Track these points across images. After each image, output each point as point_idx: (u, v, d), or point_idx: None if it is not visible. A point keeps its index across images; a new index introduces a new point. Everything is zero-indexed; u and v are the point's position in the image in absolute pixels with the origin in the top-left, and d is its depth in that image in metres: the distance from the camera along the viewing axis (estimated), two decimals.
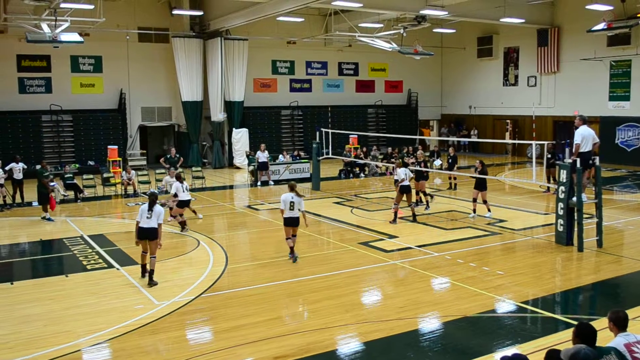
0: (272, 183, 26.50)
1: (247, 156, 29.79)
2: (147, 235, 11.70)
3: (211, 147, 34.04)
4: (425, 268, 12.77)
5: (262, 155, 26.64)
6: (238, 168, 32.81)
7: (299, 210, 13.26)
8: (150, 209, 11.74)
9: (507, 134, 40.18)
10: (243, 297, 11.00)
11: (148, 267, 11.94)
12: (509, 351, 8.42)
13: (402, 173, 17.76)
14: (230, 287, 11.68)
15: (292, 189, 13.38)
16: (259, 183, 26.41)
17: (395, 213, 17.57)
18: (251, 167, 27.75)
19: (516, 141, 25.09)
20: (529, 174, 23.38)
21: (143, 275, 12.11)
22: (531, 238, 15.69)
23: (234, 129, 33.28)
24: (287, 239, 13.55)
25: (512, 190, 24.33)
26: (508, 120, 39.46)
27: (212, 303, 10.70)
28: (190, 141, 33.06)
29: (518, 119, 37.97)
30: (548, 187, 21.29)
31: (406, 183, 17.61)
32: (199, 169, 27.80)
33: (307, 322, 9.80)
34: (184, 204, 17.15)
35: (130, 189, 23.66)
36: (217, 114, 32.88)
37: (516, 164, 34.71)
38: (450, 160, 22.67)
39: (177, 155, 24.37)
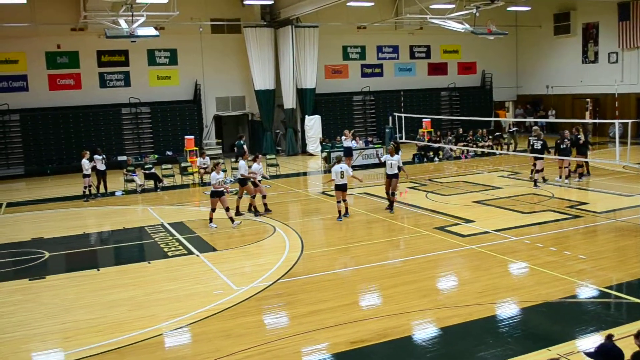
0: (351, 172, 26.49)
1: (321, 143, 29.90)
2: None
3: (284, 134, 34.34)
4: (503, 252, 12.51)
5: (347, 141, 26.14)
6: (311, 155, 32.99)
7: (347, 176, 16.16)
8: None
9: (587, 113, 38.69)
10: (319, 283, 11.09)
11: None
12: (592, 338, 8.16)
13: (388, 159, 17.23)
14: (306, 272, 11.79)
15: (339, 161, 16.40)
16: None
17: (391, 202, 17.10)
18: (324, 154, 27.83)
19: (597, 120, 24.15)
20: (612, 154, 22.45)
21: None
22: (615, 221, 15.10)
23: (306, 116, 33.45)
24: (337, 202, 16.19)
25: (594, 172, 23.45)
26: (588, 99, 37.96)
27: (289, 288, 10.84)
28: (263, 129, 33.45)
29: (599, 97, 36.48)
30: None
31: (393, 171, 16.77)
32: (273, 156, 28.09)
33: (383, 307, 9.80)
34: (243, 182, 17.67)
35: (207, 177, 24.17)
36: (290, 102, 33.12)
37: (597, 144, 33.43)
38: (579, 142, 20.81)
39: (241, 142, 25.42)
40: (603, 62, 36.02)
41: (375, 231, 15.01)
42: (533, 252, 12.52)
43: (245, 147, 25.38)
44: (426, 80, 39.43)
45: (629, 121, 17.12)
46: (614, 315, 9.16)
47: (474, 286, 10.54)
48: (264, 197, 17.68)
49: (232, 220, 15.98)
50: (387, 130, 24.47)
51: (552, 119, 36.29)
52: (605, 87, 35.31)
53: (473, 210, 16.87)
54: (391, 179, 16.84)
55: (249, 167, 18.03)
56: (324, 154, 28.00)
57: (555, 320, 9.01)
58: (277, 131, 34.81)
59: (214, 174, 15.95)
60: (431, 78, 39.68)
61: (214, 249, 13.86)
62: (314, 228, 15.96)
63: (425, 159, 28.41)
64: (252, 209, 17.52)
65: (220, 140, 33.84)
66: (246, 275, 11.74)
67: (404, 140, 24.98)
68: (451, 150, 29.18)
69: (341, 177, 16.09)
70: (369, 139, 32.46)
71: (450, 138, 30.20)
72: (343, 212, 16.39)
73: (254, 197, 17.50)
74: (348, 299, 10.17)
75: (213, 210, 16.12)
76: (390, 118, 24.82)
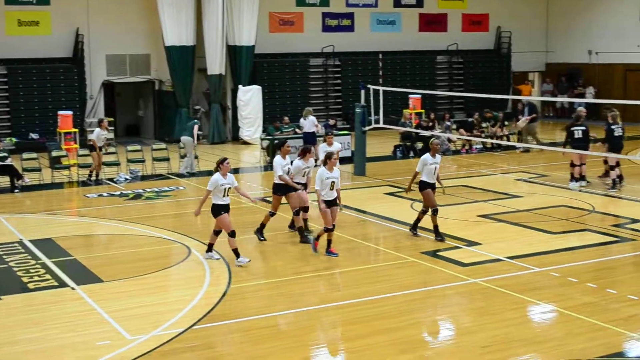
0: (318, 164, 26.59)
1: (276, 129, 29.83)
2: None
3: (207, 113, 34.18)
4: (520, 290, 12.65)
5: (308, 124, 26.35)
6: (246, 143, 32.89)
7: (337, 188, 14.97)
8: None
9: None
10: (253, 331, 11.02)
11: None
12: None
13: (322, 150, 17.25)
14: (234, 315, 11.72)
15: (330, 158, 14.76)
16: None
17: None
18: (266, 142, 27.76)
19: None
20: None
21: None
22: None
23: (240, 86, 33.34)
24: (326, 229, 14.71)
25: None
26: None
27: (209, 338, 10.76)
28: (177, 104, 33.22)
29: None
30: None
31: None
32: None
33: None
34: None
35: (109, 171, 23.91)
36: (216, 65, 32.98)
37: None
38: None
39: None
40: None
41: (337, 256, 15.01)
42: (563, 289, 12.67)
43: (196, 129, 25.53)
44: (416, 39, 39.69)
45: None
46: None
47: (477, 338, 10.62)
48: (305, 210, 16.73)
49: (236, 254, 14.70)
50: (357, 110, 24.48)
51: (589, 99, 36.84)
52: None
53: (479, 229, 17.01)
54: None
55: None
56: (265, 143, 27.92)
57: None
58: (197, 107, 34.58)
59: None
60: (423, 36, 39.95)
61: (99, 279, 13.68)
62: (248, 250, 15.90)
63: (411, 153, 28.59)
64: (297, 229, 16.39)
65: (112, 119, 33.47)
66: (146, 318, 11.61)
67: (381, 124, 25.09)
68: (450, 141, 29.44)
69: (331, 189, 14.76)
70: (331, 122, 32.46)
71: (448, 123, 30.48)
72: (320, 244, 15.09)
73: (297, 212, 16.34)
74: (293, 356, 10.13)
75: (217, 233, 14.99)
76: (363, 92, 24.87)
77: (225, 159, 14.71)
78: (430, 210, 15.91)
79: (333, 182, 14.63)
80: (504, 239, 15.83)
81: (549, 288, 12.79)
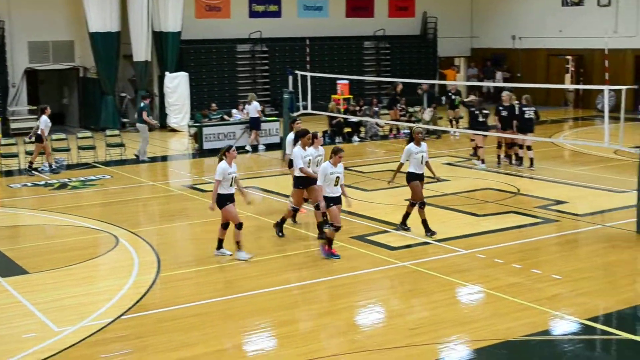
0: (264, 147, 27.03)
1: (197, 115, 29.68)
2: None
3: (133, 100, 33.82)
4: (448, 272, 12.83)
5: (252, 109, 26.69)
6: (174, 130, 32.65)
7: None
8: None
9: (568, 76, 40.16)
10: (183, 319, 11.00)
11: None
12: None
13: None
14: (164, 304, 11.67)
15: (337, 153, 13.94)
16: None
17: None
18: (194, 130, 27.65)
19: (581, 86, 25.16)
20: (599, 134, 23.41)
21: None
22: (602, 227, 15.82)
23: (167, 73, 33.07)
24: (330, 226, 13.83)
25: (575, 158, 24.44)
26: (569, 57, 39.46)
27: (138, 328, 10.69)
28: (102, 92, 32.80)
29: (584, 54, 37.97)
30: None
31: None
32: (116, 132, 27.64)
33: (278, 353, 9.83)
34: None
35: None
36: (142, 51, 32.64)
37: (581, 119, 34.84)
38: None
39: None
40: (591, 5, 37.44)
41: (266, 242, 15.01)
42: (489, 271, 12.90)
43: (144, 115, 25.37)
44: (343, 25, 39.75)
45: (623, 88, 17.44)
46: (600, 358, 9.60)
47: (406, 320, 10.75)
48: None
49: (238, 247, 14.03)
50: (285, 96, 24.51)
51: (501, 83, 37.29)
52: (592, 39, 36.69)
53: (401, 211, 17.17)
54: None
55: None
56: (193, 130, 27.79)
57: None
58: (123, 94, 34.23)
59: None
60: (350, 22, 40.04)
61: (24, 271, 13.48)
62: (177, 239, 15.80)
63: (340, 138, 28.69)
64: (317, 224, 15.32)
65: (35, 107, 32.89)
66: (73, 309, 11.49)
67: (309, 110, 25.12)
68: (377, 125, 29.61)
69: (335, 185, 13.85)
70: (259, 107, 32.35)
71: (376, 109, 30.64)
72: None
73: (318, 206, 14.93)
74: (225, 342, 10.17)
75: (225, 226, 14.19)
76: (291, 78, 24.88)
77: (231, 147, 14.01)
78: (417, 203, 15.15)
79: (338, 177, 13.80)
80: (432, 222, 15.98)
81: (476, 270, 13.00)
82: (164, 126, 33.32)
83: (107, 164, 24.57)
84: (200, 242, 15.50)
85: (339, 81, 31.71)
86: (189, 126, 28.85)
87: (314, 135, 15.58)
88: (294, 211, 15.76)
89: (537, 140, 22.17)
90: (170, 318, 11.05)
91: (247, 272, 13.14)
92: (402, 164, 15.44)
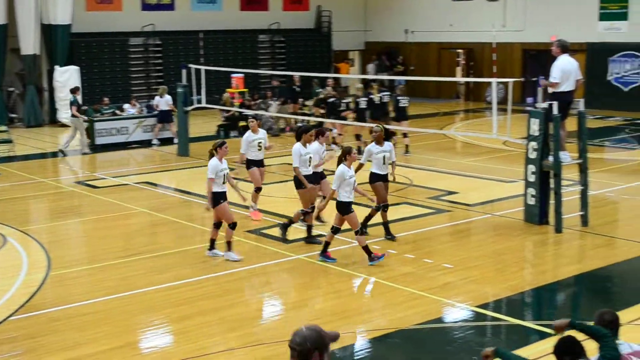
0: (158, 142, 27.07)
1: (89, 109, 29.22)
2: None
3: (22, 94, 33.12)
4: (343, 264, 12.98)
5: (162, 102, 26.96)
6: (65, 126, 32.05)
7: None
8: None
9: (459, 69, 40.98)
10: (75, 318, 10.88)
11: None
12: None
13: None
14: (55, 303, 11.52)
15: (348, 154, 13.21)
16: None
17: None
18: (86, 124, 27.25)
19: (471, 79, 25.74)
20: (488, 125, 24.01)
21: None
22: (492, 216, 16.27)
23: (56, 67, 32.48)
24: (358, 232, 13.29)
25: (466, 150, 24.98)
26: (460, 50, 40.26)
27: (28, 329, 10.53)
28: None
29: (474, 47, 38.80)
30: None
31: None
32: (4, 128, 27.02)
33: (174, 349, 9.84)
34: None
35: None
36: (30, 45, 31.97)
37: (471, 111, 35.59)
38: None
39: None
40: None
41: (160, 238, 14.94)
42: (383, 261, 13.06)
43: (74, 109, 25.15)
44: (238, 18, 39.68)
45: (511, 80, 17.97)
46: (490, 344, 9.84)
47: (302, 313, 10.86)
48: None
49: (229, 247, 13.44)
50: (179, 90, 24.35)
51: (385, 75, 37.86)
52: (481, 33, 37.54)
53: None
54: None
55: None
56: (86, 125, 27.39)
57: (412, 353, 9.51)
58: (11, 89, 33.50)
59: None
60: (245, 15, 39.98)
61: None
62: (68, 236, 15.56)
63: (235, 133, 28.65)
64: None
65: None
66: None
67: (204, 104, 25.03)
68: (272, 119, 29.64)
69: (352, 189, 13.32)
70: (153, 102, 32.06)
71: (271, 102, 30.70)
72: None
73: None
74: (120, 340, 10.09)
75: (218, 226, 13.61)
76: (185, 72, 24.71)
77: (224, 142, 13.38)
78: (381, 206, 14.47)
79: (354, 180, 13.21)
80: (326, 215, 16.13)
81: (368, 260, 13.15)
82: (54, 121, 32.72)
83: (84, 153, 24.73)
84: (92, 240, 15.32)
85: (233, 75, 31.66)
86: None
87: (321, 133, 15.15)
88: (304, 214, 14.72)
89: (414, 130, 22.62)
90: (63, 317, 10.91)
91: (141, 269, 13.04)
92: (362, 165, 14.56)
